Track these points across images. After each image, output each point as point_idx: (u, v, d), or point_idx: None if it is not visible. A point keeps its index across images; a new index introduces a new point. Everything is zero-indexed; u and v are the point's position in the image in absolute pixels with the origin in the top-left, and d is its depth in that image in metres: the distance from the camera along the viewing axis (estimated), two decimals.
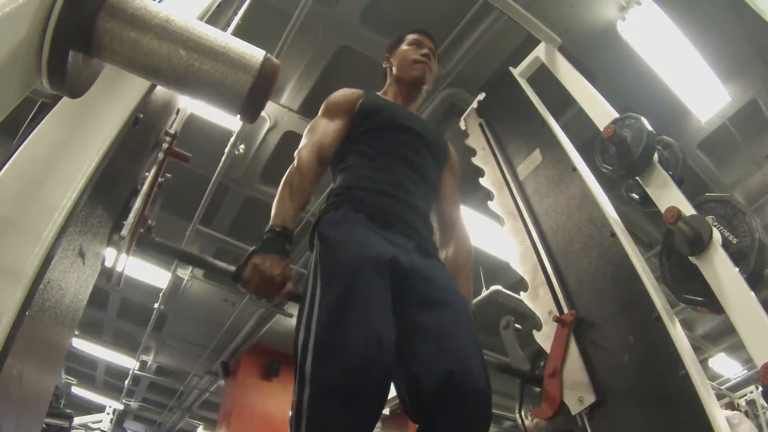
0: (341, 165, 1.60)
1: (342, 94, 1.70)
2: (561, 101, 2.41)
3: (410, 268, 1.34)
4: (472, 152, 2.52)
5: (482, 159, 2.46)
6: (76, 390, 9.80)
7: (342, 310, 1.20)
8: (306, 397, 1.13)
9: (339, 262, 1.29)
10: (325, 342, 1.18)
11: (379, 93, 1.81)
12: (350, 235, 1.36)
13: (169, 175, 1.34)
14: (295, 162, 1.49)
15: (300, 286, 1.38)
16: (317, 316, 1.22)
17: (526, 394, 1.98)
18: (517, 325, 2.03)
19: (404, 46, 1.81)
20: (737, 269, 1.46)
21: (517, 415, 1.98)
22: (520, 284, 2.08)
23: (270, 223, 1.35)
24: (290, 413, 1.21)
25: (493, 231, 3.97)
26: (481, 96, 2.64)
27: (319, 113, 1.67)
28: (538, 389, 1.86)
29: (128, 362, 8.17)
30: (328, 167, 1.64)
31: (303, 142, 1.57)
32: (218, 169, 3.93)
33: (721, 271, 1.47)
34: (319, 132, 1.59)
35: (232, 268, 1.35)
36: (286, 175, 1.47)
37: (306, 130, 1.62)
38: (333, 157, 1.61)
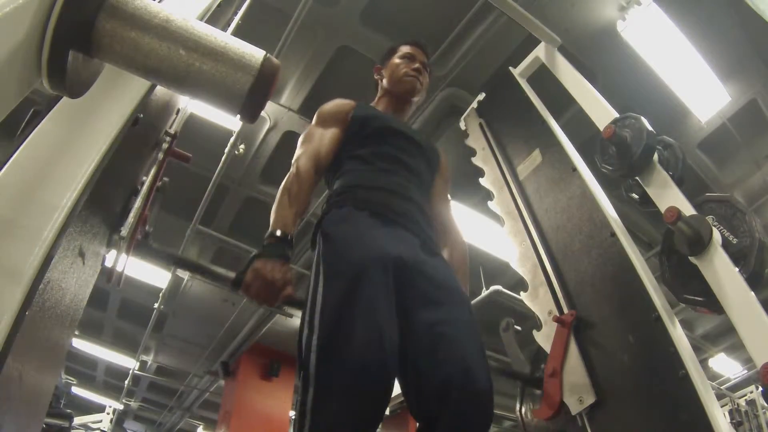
0: (339, 171, 1.60)
1: (334, 104, 1.72)
2: (561, 101, 2.40)
3: (415, 266, 1.35)
4: (472, 152, 2.52)
5: (482, 159, 2.46)
6: (76, 390, 9.77)
7: (346, 309, 1.20)
8: (310, 396, 1.14)
9: (343, 260, 1.30)
10: (329, 342, 1.18)
11: (371, 104, 1.83)
12: (355, 232, 1.36)
13: (166, 179, 1.34)
14: (294, 169, 1.51)
15: (299, 290, 1.39)
16: (320, 315, 1.23)
17: (526, 394, 1.99)
18: (516, 327, 2.05)
19: (396, 60, 1.81)
20: (737, 269, 1.46)
21: (518, 414, 1.98)
22: (520, 284, 2.08)
23: (270, 228, 1.35)
24: (293, 412, 1.22)
25: (493, 231, 3.97)
26: (481, 96, 2.64)
27: (313, 122, 1.69)
28: (538, 392, 1.86)
29: (128, 362, 8.16)
30: (323, 175, 1.65)
31: (299, 150, 1.59)
32: (218, 169, 3.93)
33: (721, 271, 1.47)
34: (315, 141, 1.61)
35: (232, 274, 1.34)
36: (284, 182, 1.48)
37: (300, 138, 1.65)
38: (329, 165, 1.62)
